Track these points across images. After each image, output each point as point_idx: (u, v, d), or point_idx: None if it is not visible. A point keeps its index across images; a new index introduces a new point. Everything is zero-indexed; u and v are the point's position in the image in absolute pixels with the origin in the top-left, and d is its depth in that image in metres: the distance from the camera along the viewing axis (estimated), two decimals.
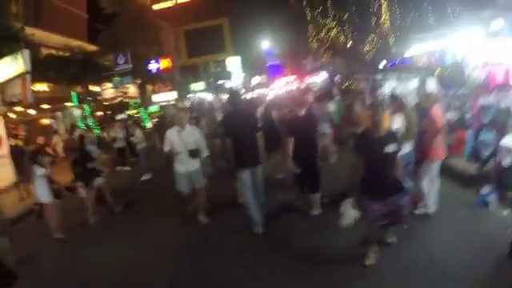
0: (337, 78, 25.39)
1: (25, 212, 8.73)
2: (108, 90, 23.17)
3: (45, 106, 20.48)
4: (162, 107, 27.63)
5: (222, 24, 30.51)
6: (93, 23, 27.27)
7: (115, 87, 22.19)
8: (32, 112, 18.87)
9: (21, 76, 10.53)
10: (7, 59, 10.62)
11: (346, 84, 23.48)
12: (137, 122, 16.60)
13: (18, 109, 16.30)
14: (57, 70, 16.64)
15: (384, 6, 17.10)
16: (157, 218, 7.13)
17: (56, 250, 6.62)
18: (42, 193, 6.68)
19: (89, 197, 7.28)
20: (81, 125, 18.75)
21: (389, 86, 9.84)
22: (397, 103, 5.17)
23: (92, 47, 22.08)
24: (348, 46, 20.36)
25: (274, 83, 41.64)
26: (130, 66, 17.65)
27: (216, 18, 31.23)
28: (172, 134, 6.21)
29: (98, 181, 7.54)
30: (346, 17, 19.34)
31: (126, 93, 23.55)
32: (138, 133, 11.24)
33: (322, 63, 27.77)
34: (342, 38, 20.45)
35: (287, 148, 5.68)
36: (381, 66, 21.15)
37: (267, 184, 6.04)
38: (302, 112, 5.83)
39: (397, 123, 4.75)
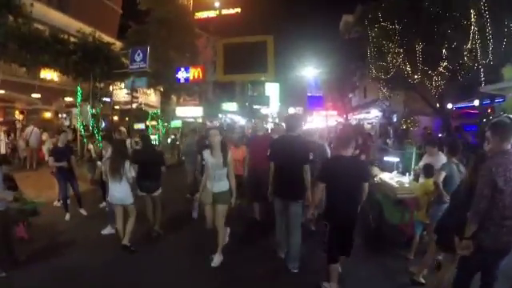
0: (394, 117, 22.67)
1: None
2: (119, 92, 20.00)
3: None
4: (184, 123, 24.51)
5: (265, 41, 27.30)
6: (125, 20, 24.87)
7: (128, 89, 18.85)
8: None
9: None
10: None
11: (404, 125, 20.46)
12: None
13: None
14: (56, 55, 13.48)
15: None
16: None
17: None
18: None
19: None
20: (79, 125, 15.43)
21: None
22: None
23: (110, 39, 18.79)
24: (415, 77, 16.58)
25: (313, 116, 38.62)
26: (146, 65, 14.40)
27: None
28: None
29: None
30: (418, 46, 15.45)
31: (136, 97, 20.13)
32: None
33: (375, 98, 24.65)
34: (408, 68, 16.55)
35: (314, 196, 4.79)
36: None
37: None
38: (348, 153, 4.53)
39: None
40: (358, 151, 9.62)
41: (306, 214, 5.68)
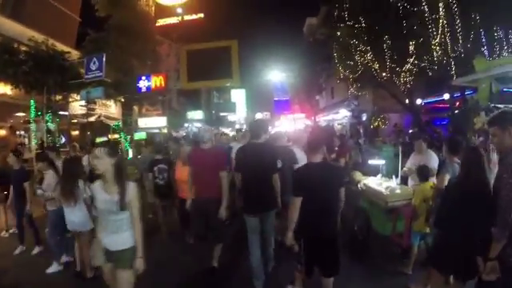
0: (363, 116, 22.63)
1: None
2: (77, 105, 18.69)
3: None
4: (149, 134, 23.48)
5: (230, 46, 26.73)
6: (84, 28, 23.68)
7: (85, 101, 17.15)
8: None
9: None
10: None
11: (375, 123, 20.44)
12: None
13: None
14: (2, 66, 12.35)
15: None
16: None
17: None
18: None
19: None
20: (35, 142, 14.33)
21: None
22: None
23: (65, 48, 17.67)
24: (383, 75, 16.43)
25: (280, 120, 38.34)
26: (103, 74, 13.35)
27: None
28: None
29: None
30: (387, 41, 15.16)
31: (93, 109, 18.93)
32: (49, 177, 5.84)
33: (343, 99, 24.59)
34: (376, 66, 16.30)
35: (290, 212, 3.87)
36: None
37: None
38: (317, 158, 4.01)
39: None
40: (334, 155, 9.00)
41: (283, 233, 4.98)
